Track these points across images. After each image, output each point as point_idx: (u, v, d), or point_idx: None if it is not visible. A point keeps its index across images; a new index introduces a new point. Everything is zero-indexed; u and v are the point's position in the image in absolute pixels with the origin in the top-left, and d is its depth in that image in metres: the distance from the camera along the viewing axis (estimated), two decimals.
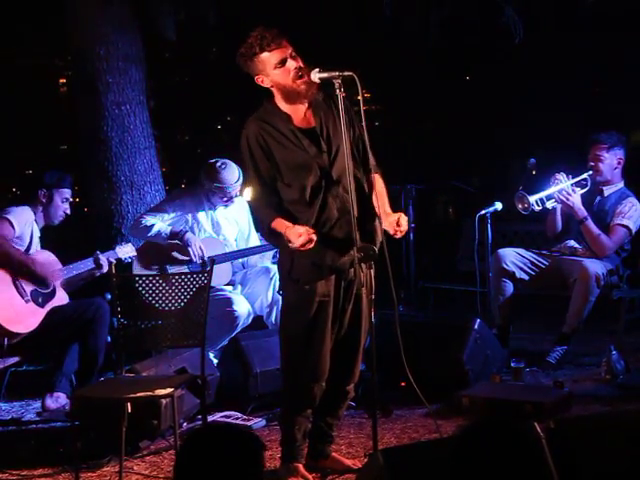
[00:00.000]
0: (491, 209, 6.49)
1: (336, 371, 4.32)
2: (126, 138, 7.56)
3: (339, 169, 4.15)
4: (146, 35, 7.80)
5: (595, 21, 10.29)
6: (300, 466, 4.38)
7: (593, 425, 3.36)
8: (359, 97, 4.00)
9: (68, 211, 5.95)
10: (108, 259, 5.79)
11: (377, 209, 4.14)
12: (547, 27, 10.16)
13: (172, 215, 6.26)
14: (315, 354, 4.21)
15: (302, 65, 4.11)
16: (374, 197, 4.21)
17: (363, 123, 4.12)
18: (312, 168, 4.13)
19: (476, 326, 5.75)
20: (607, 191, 6.45)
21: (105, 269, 5.78)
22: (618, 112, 10.87)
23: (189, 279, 4.68)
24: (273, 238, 4.23)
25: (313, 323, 4.18)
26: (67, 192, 5.92)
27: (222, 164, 6.19)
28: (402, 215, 4.16)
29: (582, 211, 6.29)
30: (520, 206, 6.29)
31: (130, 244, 6.09)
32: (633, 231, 6.33)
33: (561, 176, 6.32)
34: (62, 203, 5.90)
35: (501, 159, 12.27)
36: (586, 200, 6.38)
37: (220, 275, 5.94)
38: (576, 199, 6.30)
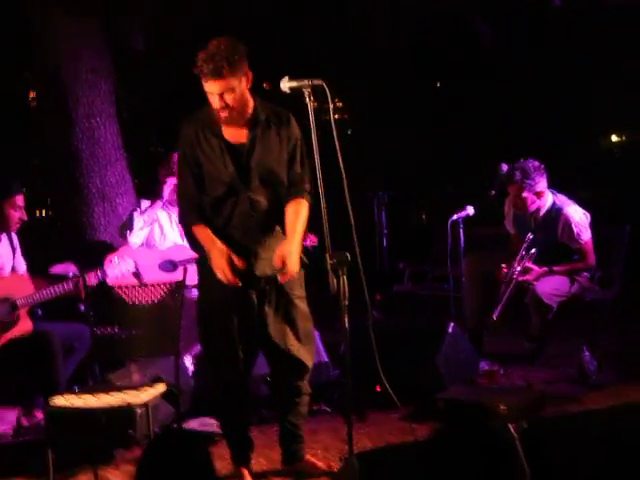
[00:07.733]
0: (463, 214, 6.54)
1: (278, 369, 4.46)
2: (97, 151, 7.52)
3: (256, 187, 4.25)
4: (114, 47, 7.77)
5: (565, 28, 10.41)
6: (245, 471, 4.46)
7: (566, 425, 3.39)
8: (329, 105, 4.01)
9: (25, 217, 5.67)
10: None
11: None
12: (519, 35, 10.25)
13: (142, 223, 6.26)
14: (225, 357, 4.34)
15: (228, 104, 4.14)
16: (289, 222, 4.28)
17: (334, 132, 4.10)
18: (226, 183, 4.24)
19: (450, 330, 5.77)
20: (541, 212, 6.43)
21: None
22: (587, 118, 10.97)
23: (162, 288, 4.69)
24: (191, 240, 4.41)
25: (222, 329, 4.30)
26: (18, 199, 5.60)
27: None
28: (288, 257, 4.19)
29: (543, 269, 6.31)
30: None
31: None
32: (590, 235, 6.35)
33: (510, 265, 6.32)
34: (15, 212, 5.61)
35: (473, 164, 12.33)
36: (525, 224, 6.44)
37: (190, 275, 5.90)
38: (532, 271, 6.31)
